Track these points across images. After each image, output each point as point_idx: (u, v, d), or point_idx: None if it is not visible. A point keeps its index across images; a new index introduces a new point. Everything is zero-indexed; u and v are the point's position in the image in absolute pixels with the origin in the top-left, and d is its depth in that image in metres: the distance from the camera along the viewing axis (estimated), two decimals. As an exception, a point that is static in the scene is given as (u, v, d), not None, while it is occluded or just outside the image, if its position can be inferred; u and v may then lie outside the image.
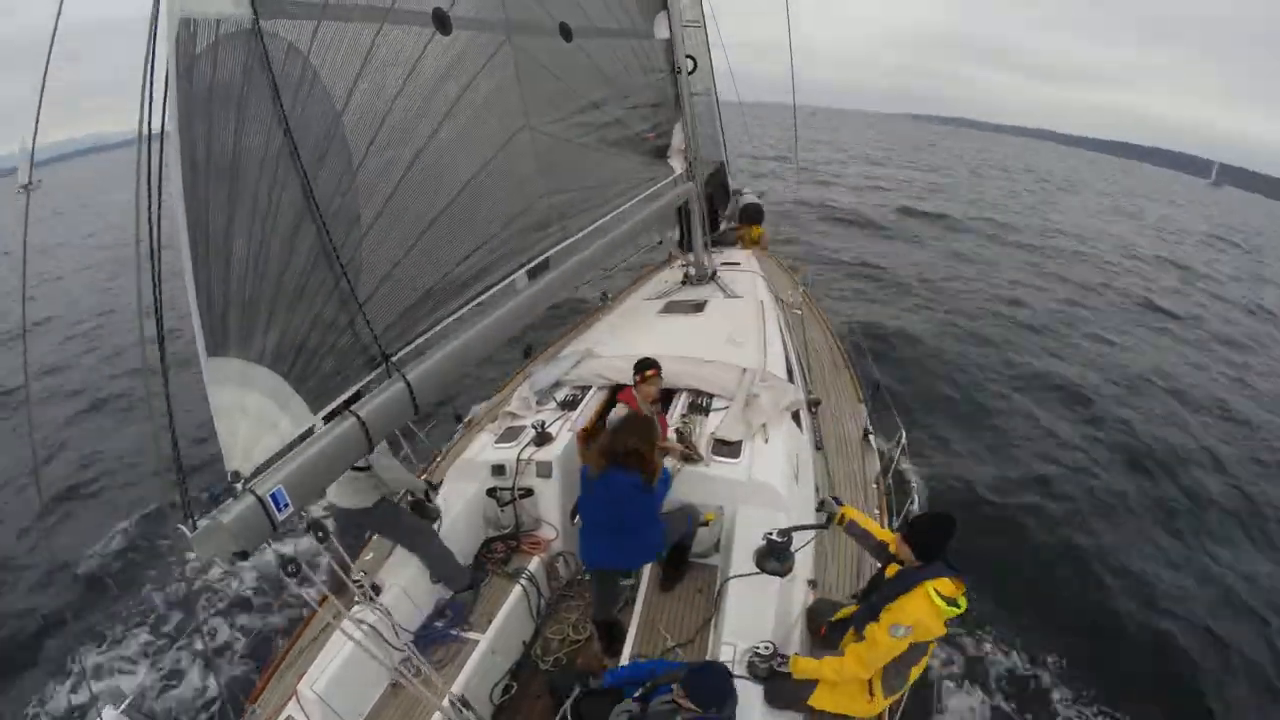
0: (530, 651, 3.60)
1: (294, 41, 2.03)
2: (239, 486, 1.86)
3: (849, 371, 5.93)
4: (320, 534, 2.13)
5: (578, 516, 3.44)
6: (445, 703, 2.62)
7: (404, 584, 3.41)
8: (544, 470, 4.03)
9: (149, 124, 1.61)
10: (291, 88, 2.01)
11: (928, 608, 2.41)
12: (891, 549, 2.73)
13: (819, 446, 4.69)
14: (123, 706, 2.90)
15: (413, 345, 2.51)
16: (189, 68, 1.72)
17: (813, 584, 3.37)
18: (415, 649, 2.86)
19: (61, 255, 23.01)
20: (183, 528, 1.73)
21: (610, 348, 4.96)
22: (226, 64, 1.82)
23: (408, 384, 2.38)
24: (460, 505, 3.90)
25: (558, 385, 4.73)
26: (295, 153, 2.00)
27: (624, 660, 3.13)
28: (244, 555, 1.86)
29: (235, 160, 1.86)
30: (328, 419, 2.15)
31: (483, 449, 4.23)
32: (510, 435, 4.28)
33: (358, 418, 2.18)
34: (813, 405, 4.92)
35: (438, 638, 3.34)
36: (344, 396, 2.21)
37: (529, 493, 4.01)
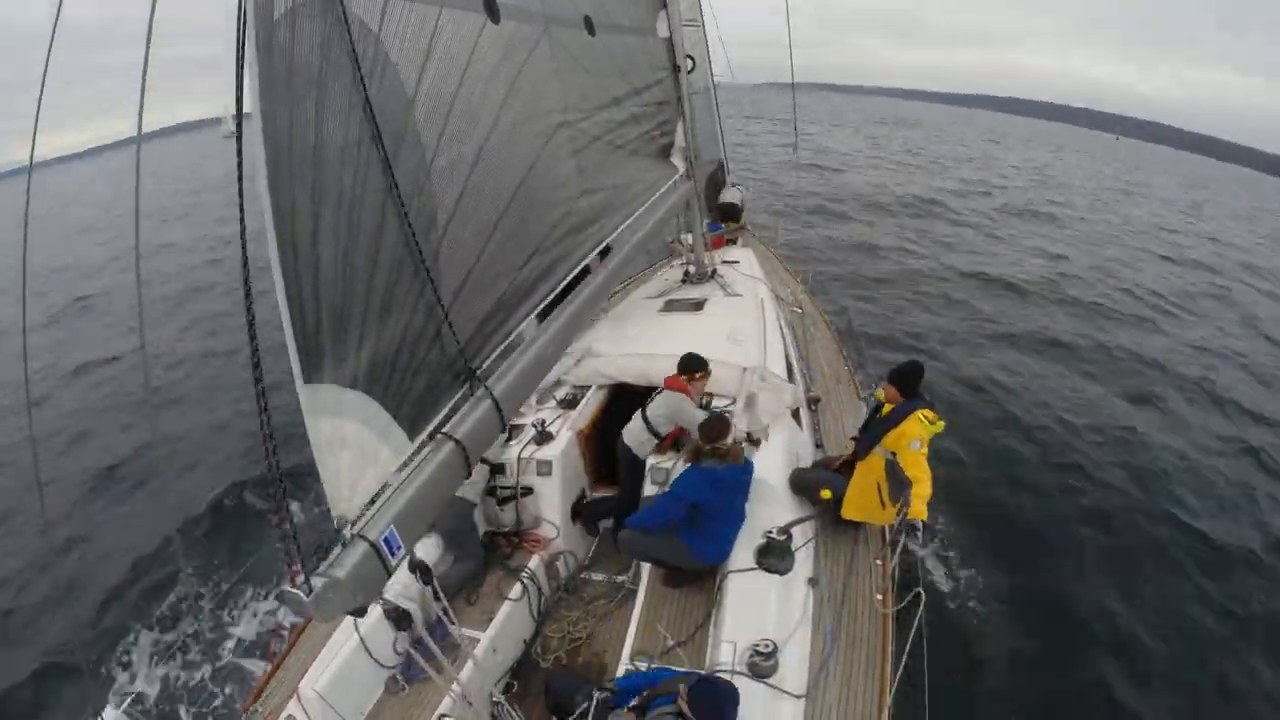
0: (531, 650, 3.54)
1: (365, 19, 1.78)
2: (348, 533, 1.58)
3: (848, 369, 6.00)
4: (425, 577, 1.85)
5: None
6: (455, 690, 2.47)
7: (404, 582, 3.17)
8: (544, 469, 3.96)
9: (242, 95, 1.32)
10: (366, 70, 1.76)
11: (922, 427, 3.21)
12: (884, 411, 3.44)
13: (819, 444, 4.70)
14: (124, 706, 2.87)
15: (493, 357, 2.27)
16: (268, 39, 1.46)
17: (813, 582, 3.32)
18: (415, 648, 2.72)
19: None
20: (295, 590, 1.43)
21: (610, 346, 4.85)
22: (305, 35, 1.56)
23: (495, 400, 2.14)
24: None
25: (558, 384, 4.61)
26: (379, 141, 1.75)
27: (624, 658, 3.07)
28: (361, 611, 1.58)
29: (318, 149, 1.60)
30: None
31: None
32: (510, 434, 4.18)
33: (456, 441, 1.92)
34: (812, 403, 4.94)
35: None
36: (438, 419, 1.95)
37: (529, 491, 3.94)
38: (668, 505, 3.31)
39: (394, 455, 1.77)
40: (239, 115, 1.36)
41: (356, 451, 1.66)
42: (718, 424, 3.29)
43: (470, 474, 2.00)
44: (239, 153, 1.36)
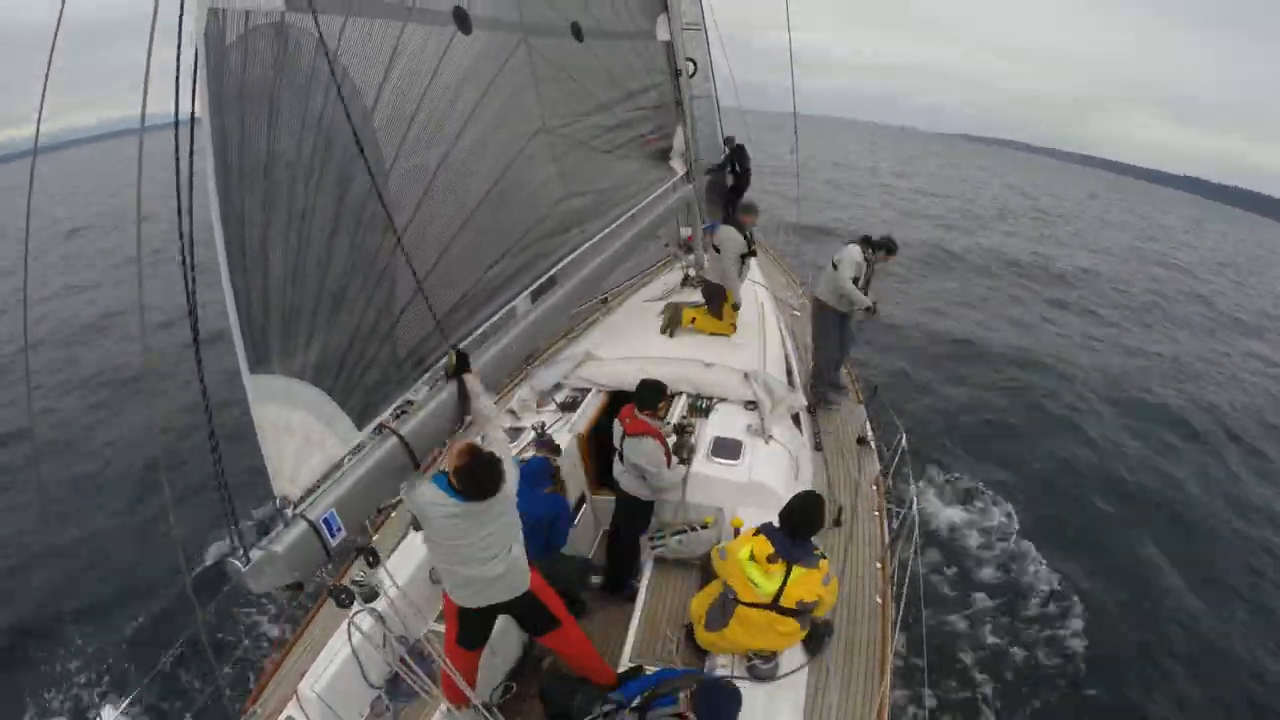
0: (530, 653, 3.54)
1: (324, 35, 1.90)
2: (289, 512, 1.72)
3: (849, 372, 5.93)
4: (372, 559, 1.98)
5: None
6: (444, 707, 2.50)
7: (402, 584, 3.24)
8: None
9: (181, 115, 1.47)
10: (322, 85, 1.90)
11: (740, 551, 2.72)
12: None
13: (818, 448, 4.67)
14: (123, 706, 2.86)
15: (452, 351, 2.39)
16: (219, 63, 1.61)
17: None
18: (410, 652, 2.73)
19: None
20: (235, 561, 1.58)
21: (610, 350, 4.90)
22: (257, 58, 1.71)
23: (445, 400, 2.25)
24: None
25: (558, 387, 4.66)
26: (330, 153, 1.88)
27: (624, 656, 3.10)
28: (299, 586, 1.72)
29: (269, 161, 1.74)
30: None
31: None
32: (510, 436, 4.15)
33: (400, 437, 2.04)
34: (812, 406, 4.92)
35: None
36: (389, 411, 2.08)
37: None
38: None
39: (341, 444, 1.91)
40: (183, 123, 1.50)
41: (302, 437, 1.80)
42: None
43: (417, 466, 2.11)
44: (190, 158, 1.51)
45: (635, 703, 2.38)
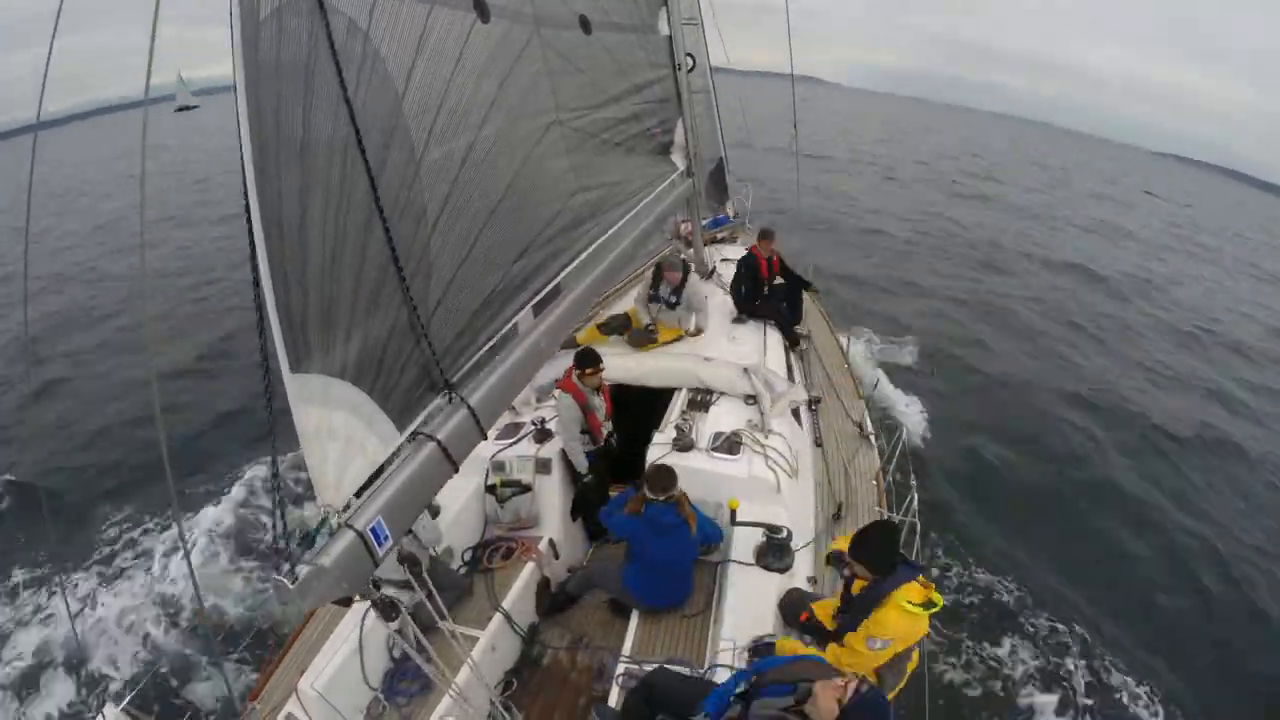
0: (530, 648, 3.56)
1: (354, 17, 1.81)
2: (334, 522, 1.60)
3: (849, 367, 5.99)
4: (416, 568, 1.87)
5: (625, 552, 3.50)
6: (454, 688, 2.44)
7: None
8: (543, 467, 4.02)
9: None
10: (354, 67, 1.79)
11: (902, 619, 2.42)
12: (855, 588, 2.66)
13: (819, 443, 4.70)
14: (123, 704, 2.83)
15: (483, 351, 2.29)
16: (254, 35, 1.49)
17: (813, 580, 3.36)
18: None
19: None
20: (282, 579, 1.46)
21: (609, 345, 4.91)
22: (291, 33, 1.59)
23: (474, 404, 2.14)
24: (460, 501, 3.86)
25: (557, 383, 4.62)
26: (359, 138, 1.77)
27: (623, 656, 3.11)
28: (348, 601, 1.61)
29: (305, 145, 1.62)
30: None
31: (482, 445, 4.14)
32: (510, 432, 4.25)
33: (438, 442, 1.93)
34: (813, 403, 4.95)
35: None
36: (426, 411, 1.97)
37: (528, 489, 3.98)
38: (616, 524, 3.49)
39: (382, 446, 1.79)
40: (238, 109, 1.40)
41: (344, 441, 1.68)
42: (662, 476, 3.29)
43: (457, 469, 2.01)
44: (241, 147, 1.40)
45: (741, 688, 2.13)
